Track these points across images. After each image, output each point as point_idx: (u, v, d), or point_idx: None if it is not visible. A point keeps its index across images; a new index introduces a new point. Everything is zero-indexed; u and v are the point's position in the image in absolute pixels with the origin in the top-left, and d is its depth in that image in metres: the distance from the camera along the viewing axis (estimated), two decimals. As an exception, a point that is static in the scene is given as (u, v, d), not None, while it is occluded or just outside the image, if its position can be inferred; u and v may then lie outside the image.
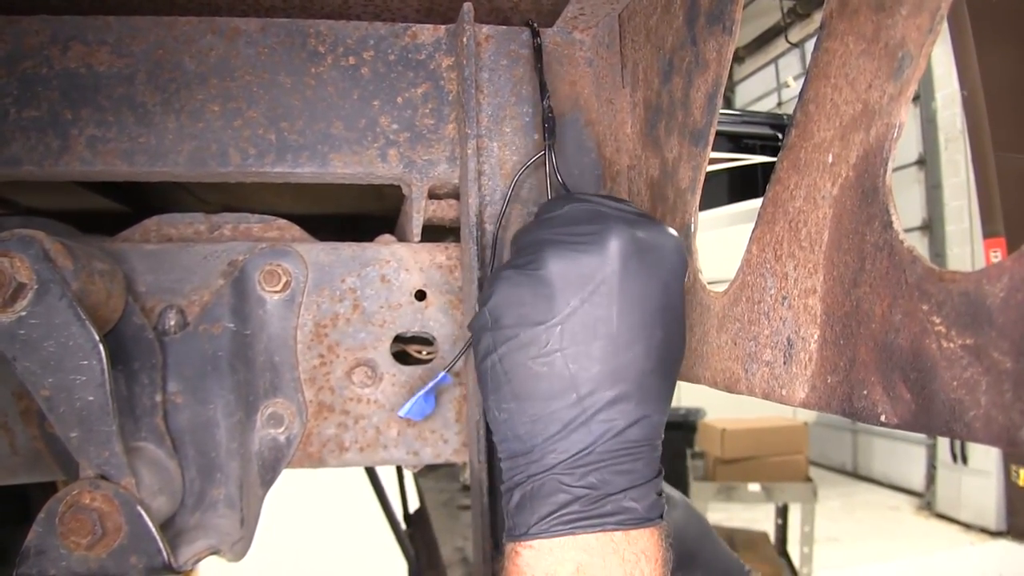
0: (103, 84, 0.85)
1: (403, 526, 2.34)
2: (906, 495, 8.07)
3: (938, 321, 0.38)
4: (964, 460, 6.99)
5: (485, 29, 0.93)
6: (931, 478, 7.63)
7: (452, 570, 1.74)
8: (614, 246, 0.62)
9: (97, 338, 0.62)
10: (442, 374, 0.85)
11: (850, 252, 0.45)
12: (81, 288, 0.64)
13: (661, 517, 0.63)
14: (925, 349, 0.39)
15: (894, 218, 0.42)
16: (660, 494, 0.65)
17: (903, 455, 8.25)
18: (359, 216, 1.74)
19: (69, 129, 0.85)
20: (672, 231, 0.67)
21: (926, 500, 7.69)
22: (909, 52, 0.41)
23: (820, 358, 0.48)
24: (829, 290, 0.47)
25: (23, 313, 0.60)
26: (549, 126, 0.86)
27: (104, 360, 0.62)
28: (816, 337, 0.48)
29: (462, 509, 2.35)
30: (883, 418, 0.41)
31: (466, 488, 2.62)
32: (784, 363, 0.52)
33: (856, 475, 9.10)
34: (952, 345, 0.37)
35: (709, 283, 0.70)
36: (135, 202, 1.59)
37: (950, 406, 0.37)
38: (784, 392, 0.52)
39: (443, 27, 0.93)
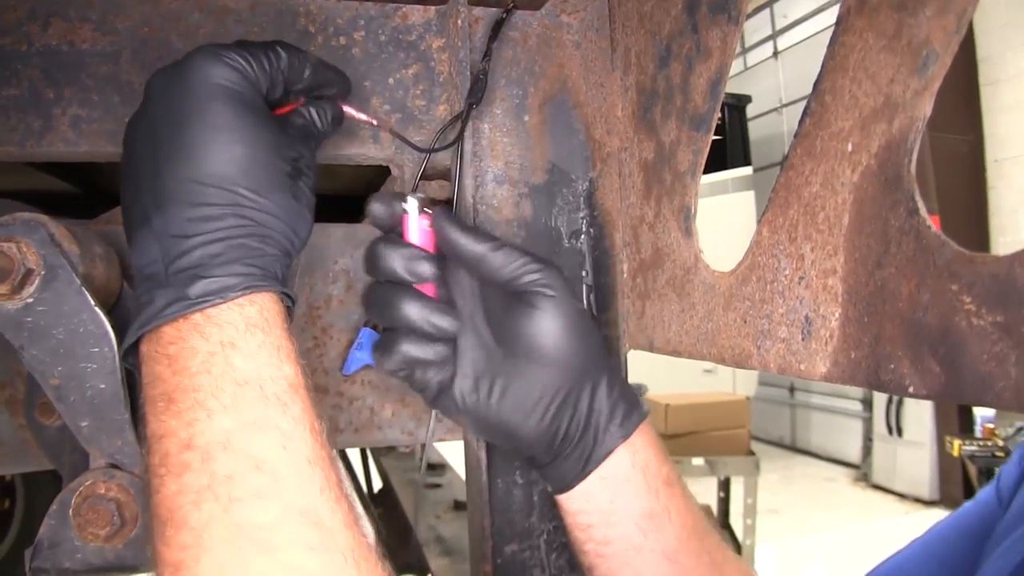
0: (87, 62, 0.83)
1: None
2: (843, 467, 8.39)
3: (968, 300, 0.40)
4: (899, 432, 7.29)
5: (476, 11, 0.93)
6: (867, 450, 7.94)
7: (429, 548, 1.76)
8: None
9: (108, 325, 0.61)
10: (365, 329, 0.87)
11: (873, 236, 0.48)
12: (86, 273, 0.63)
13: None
14: (954, 326, 0.41)
15: (919, 204, 0.44)
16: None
17: (840, 428, 8.55)
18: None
19: (51, 108, 0.82)
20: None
21: (862, 471, 8.00)
22: (934, 50, 0.43)
23: (843, 335, 0.50)
24: (851, 271, 0.50)
25: (30, 300, 0.59)
26: (478, 85, 0.88)
27: (115, 347, 0.61)
28: (838, 315, 0.51)
29: (429, 488, 2.37)
30: (911, 389, 0.44)
31: (430, 467, 2.63)
32: (802, 339, 0.54)
33: (795, 448, 9.41)
34: (982, 322, 0.40)
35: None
36: (83, 183, 1.54)
37: (980, 377, 0.40)
38: (803, 367, 0.54)
39: (433, 8, 0.93)
